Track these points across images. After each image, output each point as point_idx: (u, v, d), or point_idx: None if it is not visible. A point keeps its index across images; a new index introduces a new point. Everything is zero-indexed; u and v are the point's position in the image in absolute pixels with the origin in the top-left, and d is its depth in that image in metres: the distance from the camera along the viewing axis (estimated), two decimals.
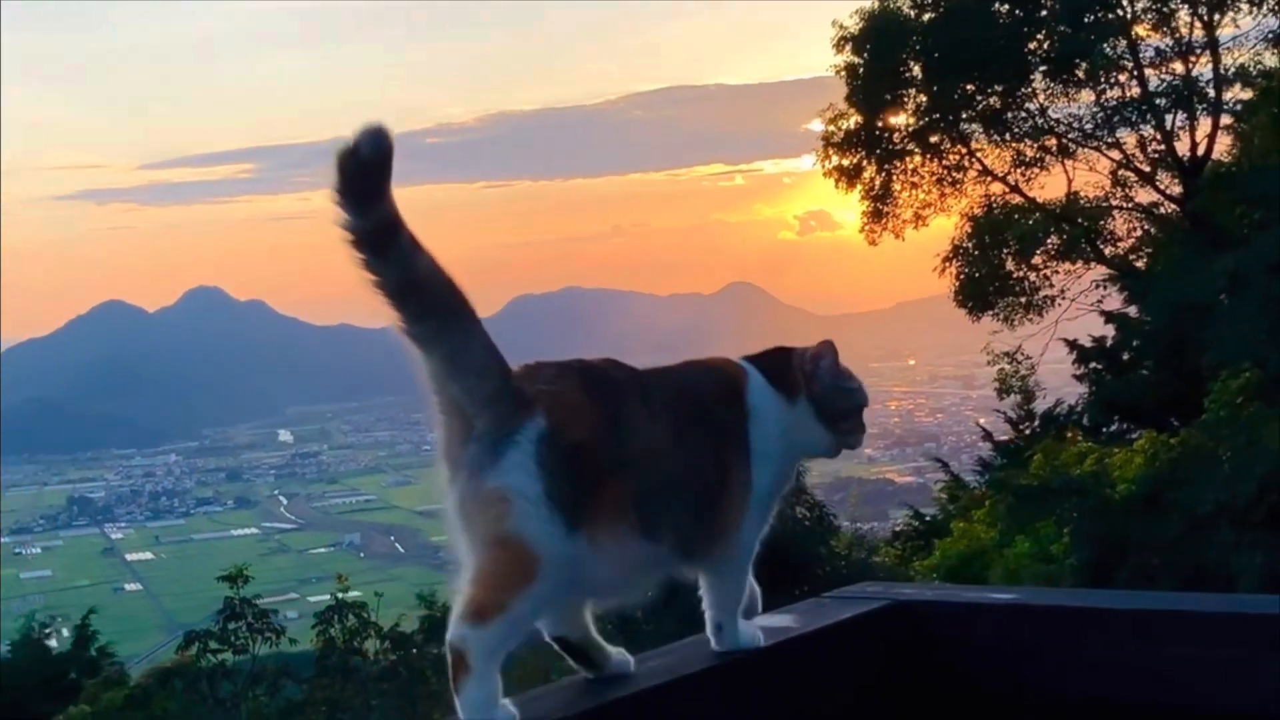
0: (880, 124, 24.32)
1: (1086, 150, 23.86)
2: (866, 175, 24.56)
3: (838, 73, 23.75)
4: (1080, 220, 23.63)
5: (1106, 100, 22.98)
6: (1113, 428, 19.84)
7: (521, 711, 1.90)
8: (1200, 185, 20.56)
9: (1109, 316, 21.36)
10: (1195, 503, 12.57)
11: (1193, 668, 2.31)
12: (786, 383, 2.19)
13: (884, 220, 24.72)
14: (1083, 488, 14.60)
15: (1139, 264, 23.09)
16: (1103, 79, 22.73)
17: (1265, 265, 14.62)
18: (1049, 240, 23.83)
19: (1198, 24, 22.59)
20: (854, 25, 23.47)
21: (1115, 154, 23.61)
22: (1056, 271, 24.05)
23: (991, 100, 23.73)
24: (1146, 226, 23.63)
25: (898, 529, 24.85)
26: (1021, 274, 24.08)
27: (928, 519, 23.06)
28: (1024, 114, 23.88)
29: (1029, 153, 24.08)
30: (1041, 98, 23.56)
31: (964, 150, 24.49)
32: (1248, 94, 21.80)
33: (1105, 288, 23.07)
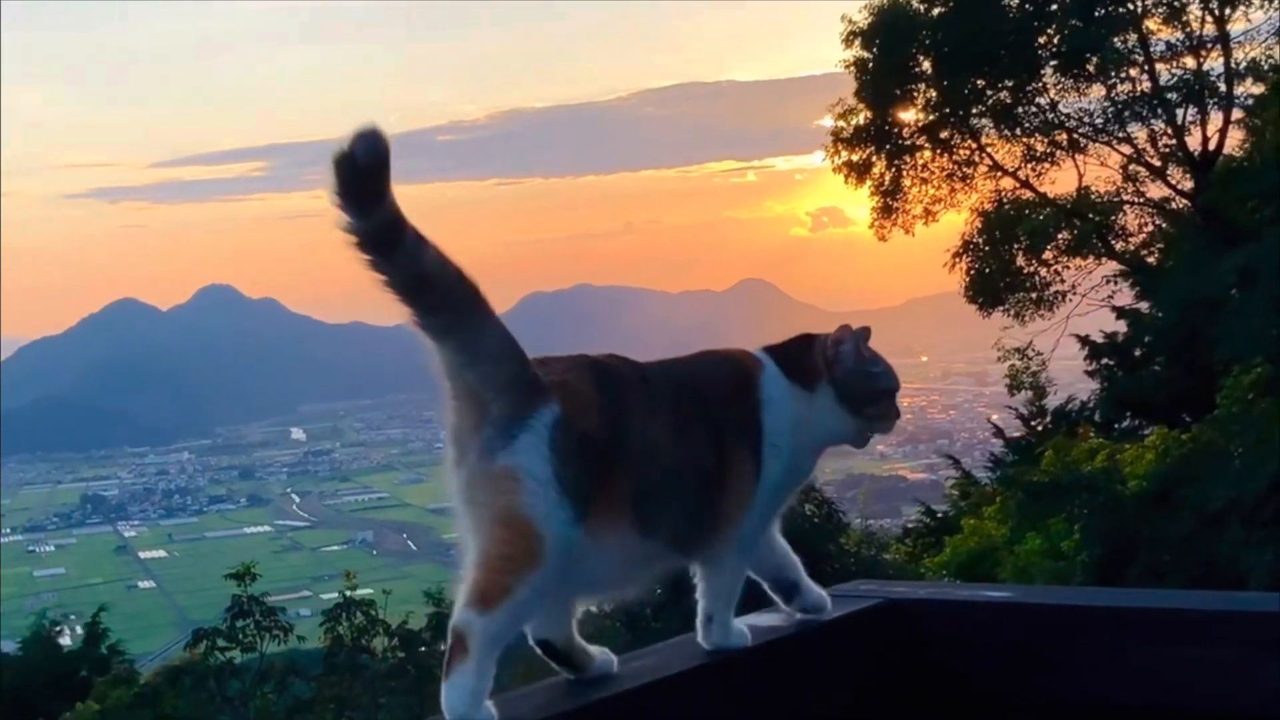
0: (890, 119, 24.26)
1: (1097, 145, 23.78)
2: (876, 170, 24.50)
3: (847, 68, 23.73)
4: (1091, 215, 23.54)
5: (1117, 95, 22.91)
6: (1125, 424, 19.77)
7: (501, 712, 1.87)
8: (1212, 180, 20.47)
9: (1120, 312, 21.29)
10: (1206, 499, 12.52)
11: (1191, 667, 2.27)
12: (805, 371, 2.18)
13: (894, 216, 24.66)
14: (1093, 484, 14.54)
15: (1150, 259, 22.99)
16: (1113, 73, 22.64)
17: (1277, 260, 14.55)
18: (1060, 235, 23.74)
19: (1209, 18, 22.47)
20: (863, 20, 23.44)
21: (1126, 149, 23.52)
22: (1067, 267, 23.95)
23: (1002, 95, 23.63)
24: (1158, 222, 23.53)
25: (909, 526, 24.81)
26: (1032, 269, 23.99)
27: (939, 516, 23.01)
28: (1034, 108, 23.78)
29: (1040, 147, 23.98)
30: (1052, 92, 23.45)
31: (974, 145, 24.41)
32: (1259, 88, 21.71)
33: (1116, 283, 23.01)
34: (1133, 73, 22.67)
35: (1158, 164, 23.22)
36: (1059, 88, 23.37)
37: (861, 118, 24.20)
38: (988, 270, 23.94)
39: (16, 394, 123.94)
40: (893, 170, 24.48)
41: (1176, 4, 22.46)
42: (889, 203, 24.56)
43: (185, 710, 14.27)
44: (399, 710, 13.75)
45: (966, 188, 24.64)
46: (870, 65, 23.48)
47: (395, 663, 14.55)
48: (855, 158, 24.46)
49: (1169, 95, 22.59)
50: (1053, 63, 23.17)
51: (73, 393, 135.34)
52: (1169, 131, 22.85)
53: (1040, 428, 21.98)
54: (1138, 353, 20.61)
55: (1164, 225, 23.29)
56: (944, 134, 24.32)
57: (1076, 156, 23.90)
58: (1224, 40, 22.44)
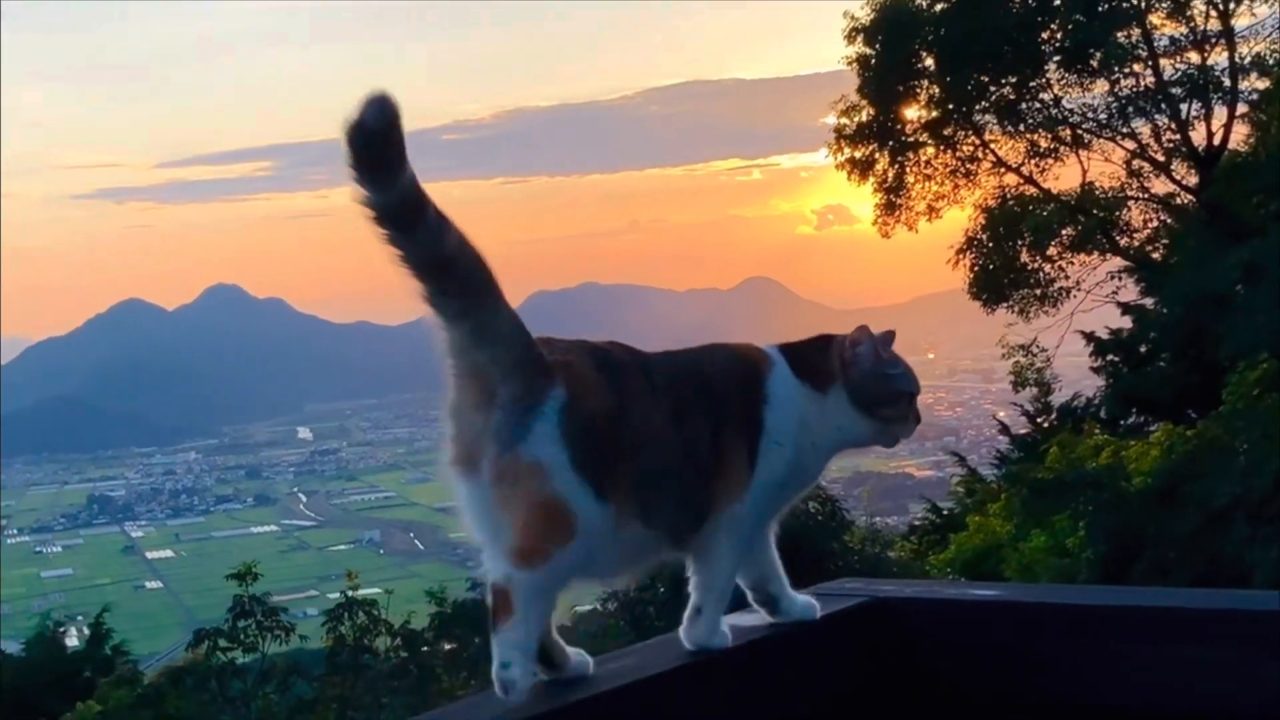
0: (893, 115, 24.21)
1: (1101, 141, 23.72)
2: (879, 167, 24.47)
3: (849, 64, 23.69)
4: (1095, 211, 23.47)
5: (1121, 90, 22.84)
6: (1130, 420, 19.71)
7: (476, 713, 1.86)
8: (1216, 175, 20.42)
9: (1125, 308, 21.24)
10: (1211, 496, 12.44)
11: (1185, 668, 2.23)
12: (819, 372, 2.17)
13: (897, 212, 24.63)
14: (1098, 481, 14.46)
15: (1155, 255, 22.93)
16: (1117, 69, 22.56)
17: None
18: (1064, 232, 23.68)
19: (1213, 13, 22.39)
20: (865, 16, 23.38)
21: (1130, 144, 23.47)
22: (1071, 263, 23.92)
23: (1005, 90, 23.58)
24: (1162, 217, 23.46)
25: (915, 523, 24.77)
26: (1036, 266, 23.94)
27: (945, 513, 22.97)
28: (1038, 104, 23.72)
29: (1043, 143, 23.95)
30: (1056, 88, 23.42)
31: (977, 141, 24.36)
32: (1264, 83, 21.63)
33: (1121, 279, 22.94)
34: (1136, 68, 22.60)
35: (1162, 159, 23.16)
36: (1062, 83, 23.33)
37: (864, 114, 24.17)
38: (991, 267, 23.90)
39: (23, 395, 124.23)
40: (896, 167, 24.45)
41: None
42: (892, 199, 24.53)
43: (187, 711, 14.23)
44: (401, 710, 13.71)
45: (970, 184, 24.62)
46: (873, 61, 23.44)
47: (398, 662, 14.52)
48: (858, 154, 24.43)
49: (1173, 90, 22.52)
50: (1056, 58, 23.13)
51: (79, 393, 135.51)
52: (1173, 127, 22.79)
53: (1046, 424, 21.92)
54: (1143, 349, 20.54)
55: (1169, 221, 23.23)
56: (947, 130, 24.27)
57: (1080, 152, 23.86)
58: (1228, 35, 22.38)
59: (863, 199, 25.31)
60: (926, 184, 24.68)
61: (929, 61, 23.54)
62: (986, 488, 20.95)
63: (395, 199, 1.82)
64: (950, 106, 23.82)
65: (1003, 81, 23.49)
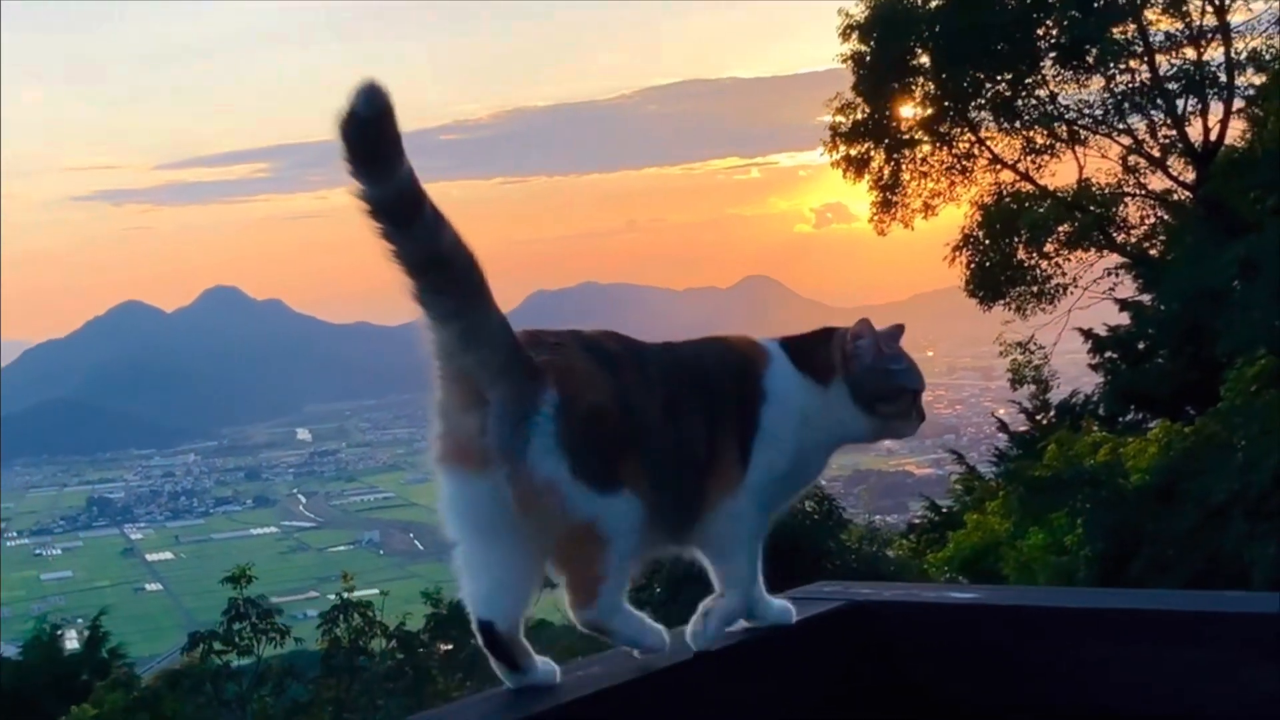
0: (888, 113, 24.18)
1: (1097, 137, 23.69)
2: (875, 165, 24.44)
3: (844, 61, 23.65)
4: (1092, 208, 23.44)
5: (1116, 86, 22.81)
6: (1129, 417, 19.66)
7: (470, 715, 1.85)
8: (1213, 171, 20.37)
9: (1124, 304, 21.20)
10: (1209, 493, 12.39)
11: (1166, 670, 2.17)
12: (819, 365, 2.12)
13: (893, 210, 24.60)
14: (1096, 478, 14.43)
15: (1152, 251, 22.89)
16: (1113, 65, 22.54)
17: (1279, 251, 14.45)
18: (1060, 228, 23.65)
19: (1209, 8, 22.35)
20: (860, 13, 23.35)
21: (1126, 140, 23.43)
22: (1068, 260, 23.90)
23: (1000, 87, 23.56)
24: (1159, 213, 23.42)
25: (914, 521, 24.78)
26: (1033, 262, 23.91)
27: (944, 511, 22.95)
28: (1034, 101, 23.71)
29: (1039, 140, 23.94)
30: (1051, 84, 23.40)
31: (973, 138, 24.34)
32: (1260, 79, 21.59)
33: (1117, 275, 22.91)
34: (1133, 64, 22.59)
35: (1158, 155, 23.13)
36: (1058, 79, 23.32)
37: (860, 112, 24.13)
38: (988, 264, 23.87)
39: (22, 397, 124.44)
40: (891, 164, 24.42)
41: None
42: (888, 197, 24.49)
43: (183, 714, 14.23)
44: (397, 711, 13.68)
45: (966, 181, 24.60)
46: (868, 59, 23.40)
47: (393, 664, 14.49)
48: (854, 152, 24.40)
49: (1169, 86, 22.51)
50: (1052, 54, 23.10)
51: (78, 395, 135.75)
52: (1169, 123, 22.77)
53: (1044, 422, 21.91)
54: (1141, 346, 20.49)
55: (1166, 217, 23.19)
56: (943, 127, 24.24)
57: (1076, 149, 23.84)
58: (1224, 30, 22.34)
59: (861, 197, 25.30)
60: (922, 181, 24.66)
61: (924, 58, 23.51)
62: (985, 485, 20.94)
63: (392, 193, 1.78)
64: (946, 103, 23.78)
65: (998, 78, 23.45)
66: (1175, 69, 22.55)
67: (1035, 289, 23.83)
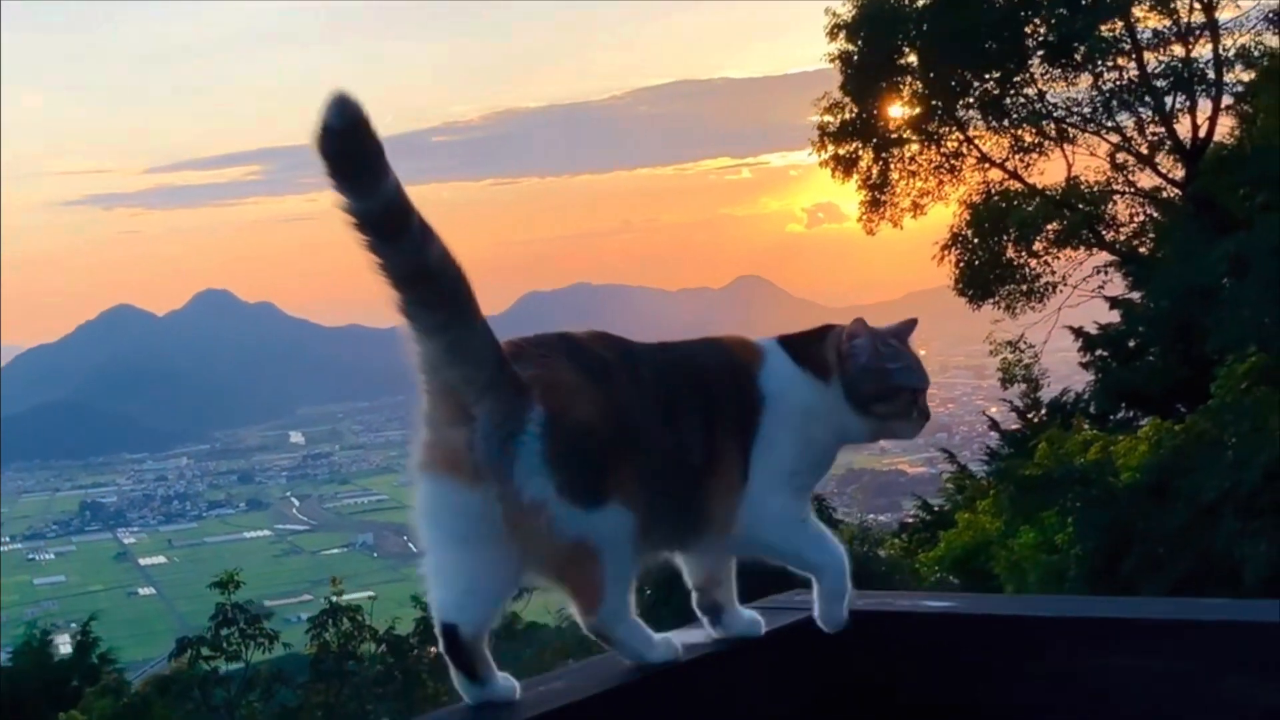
0: (876, 112, 24.16)
1: (1086, 135, 23.70)
2: (863, 164, 24.43)
3: (831, 61, 23.63)
4: (1081, 206, 23.44)
5: (1105, 84, 22.82)
6: (1120, 415, 19.65)
7: None
8: (1202, 168, 20.36)
9: (1113, 302, 21.19)
10: (1200, 490, 12.37)
11: (1143, 680, 2.13)
12: (819, 362, 2.11)
13: (882, 209, 24.59)
14: (1086, 477, 14.40)
15: (1142, 249, 22.88)
16: (1101, 62, 22.54)
17: (1269, 248, 14.46)
18: (1049, 226, 23.64)
19: (1197, 5, 22.36)
20: (847, 13, 23.32)
21: (1115, 138, 23.44)
22: (1057, 258, 23.91)
23: (988, 85, 23.57)
24: (1149, 211, 23.42)
25: (906, 521, 24.75)
26: (1022, 261, 23.93)
27: (936, 510, 22.93)
28: (1022, 99, 23.73)
29: (1028, 138, 23.93)
30: (1040, 82, 23.41)
31: (962, 137, 24.33)
32: (1249, 75, 21.59)
33: (1107, 273, 22.90)
34: (1120, 61, 22.61)
35: (1147, 153, 23.14)
36: (1046, 78, 23.33)
37: (848, 112, 24.10)
38: (977, 262, 23.87)
39: (14, 402, 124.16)
40: (880, 164, 24.42)
41: None
42: (877, 196, 24.50)
43: None
44: (387, 716, 13.64)
45: (954, 180, 24.61)
46: (855, 58, 23.39)
47: (383, 669, 14.44)
48: (842, 152, 24.37)
49: (1157, 84, 22.52)
50: (1040, 52, 23.11)
51: (70, 400, 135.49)
52: (1157, 120, 22.79)
53: (1036, 420, 21.90)
54: (1131, 343, 20.49)
55: (1155, 215, 23.19)
56: (931, 126, 24.25)
57: (1065, 146, 23.86)
58: (1213, 27, 22.36)
59: (851, 196, 25.29)
60: (911, 180, 24.66)
61: (912, 57, 23.50)
62: (976, 484, 20.92)
63: (378, 206, 1.76)
64: (934, 102, 23.78)
65: (986, 76, 23.46)
66: (1163, 66, 22.57)
67: (1024, 287, 23.84)
